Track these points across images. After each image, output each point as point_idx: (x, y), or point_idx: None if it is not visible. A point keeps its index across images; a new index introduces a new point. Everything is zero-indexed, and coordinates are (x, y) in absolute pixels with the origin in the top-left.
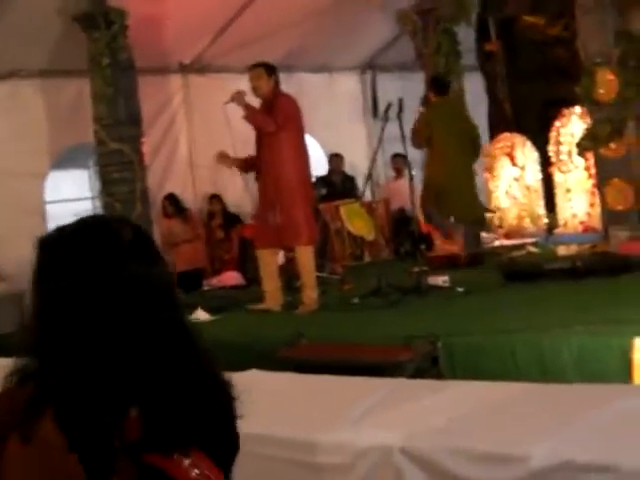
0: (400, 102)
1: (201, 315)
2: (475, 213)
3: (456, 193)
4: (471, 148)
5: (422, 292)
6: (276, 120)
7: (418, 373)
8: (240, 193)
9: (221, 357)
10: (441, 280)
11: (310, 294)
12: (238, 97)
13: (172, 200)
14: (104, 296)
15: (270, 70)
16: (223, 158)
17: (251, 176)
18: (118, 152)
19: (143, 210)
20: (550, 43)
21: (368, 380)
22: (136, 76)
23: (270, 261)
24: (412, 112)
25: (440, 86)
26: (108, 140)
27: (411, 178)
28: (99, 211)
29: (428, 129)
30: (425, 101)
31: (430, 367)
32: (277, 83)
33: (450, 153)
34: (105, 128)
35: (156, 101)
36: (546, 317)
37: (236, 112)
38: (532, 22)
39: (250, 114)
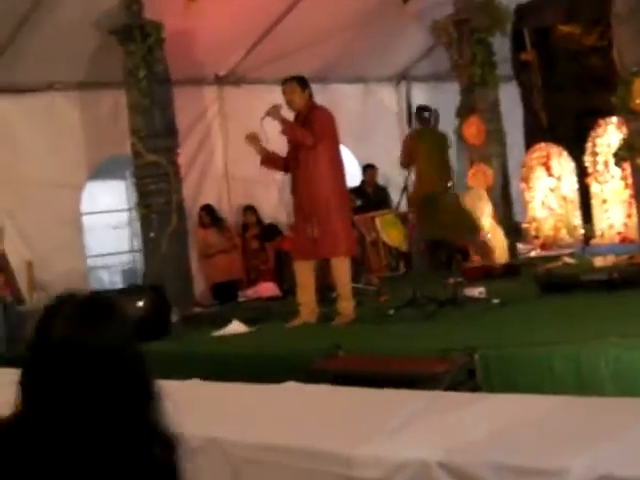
0: (436, 113)
1: (237, 327)
2: (464, 225)
3: (441, 213)
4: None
5: (458, 304)
6: (314, 134)
7: (454, 385)
8: (275, 204)
9: (257, 369)
10: (477, 291)
11: (346, 305)
12: (274, 111)
13: (208, 210)
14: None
15: (303, 83)
16: (254, 140)
17: (285, 188)
18: (154, 164)
19: (179, 221)
20: (586, 52)
21: (404, 392)
22: (172, 88)
23: (306, 273)
24: (447, 123)
25: (424, 116)
26: (144, 152)
27: (446, 189)
28: (136, 222)
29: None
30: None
31: (467, 379)
32: (311, 95)
33: (429, 178)
34: (141, 140)
35: (191, 113)
36: (583, 329)
37: (272, 126)
38: (567, 31)
39: (288, 128)
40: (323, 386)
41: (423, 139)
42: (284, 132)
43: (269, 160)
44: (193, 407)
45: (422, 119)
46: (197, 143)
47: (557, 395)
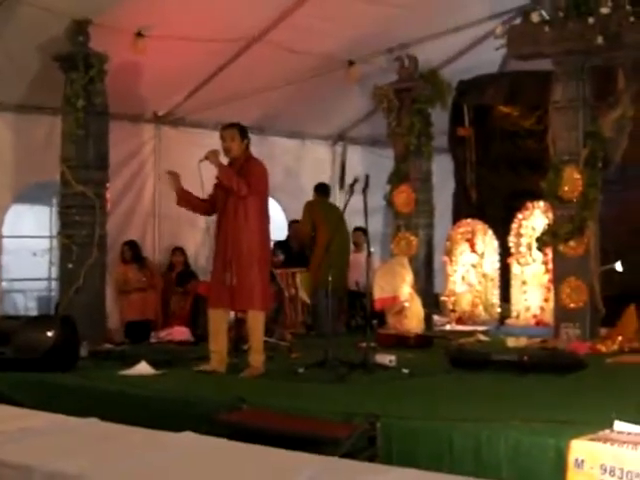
0: (366, 178)
1: (145, 368)
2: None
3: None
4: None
5: (368, 369)
6: (249, 184)
7: (354, 451)
8: (198, 248)
9: (158, 414)
10: (388, 359)
11: (257, 358)
12: (212, 156)
13: (132, 246)
14: None
15: (243, 132)
16: (174, 177)
17: (207, 234)
18: (81, 195)
19: (99, 255)
20: (522, 135)
21: (301, 456)
22: (108, 121)
23: (220, 321)
24: (378, 188)
25: (323, 190)
26: (73, 181)
27: (369, 254)
28: (56, 251)
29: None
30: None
31: (367, 446)
32: (248, 146)
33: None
34: (71, 169)
35: (126, 148)
36: (487, 409)
37: (209, 170)
38: (506, 112)
39: (225, 175)
40: (220, 440)
41: (323, 207)
42: (220, 178)
43: (186, 200)
44: (81, 446)
45: (323, 191)
46: (128, 178)
47: (452, 475)
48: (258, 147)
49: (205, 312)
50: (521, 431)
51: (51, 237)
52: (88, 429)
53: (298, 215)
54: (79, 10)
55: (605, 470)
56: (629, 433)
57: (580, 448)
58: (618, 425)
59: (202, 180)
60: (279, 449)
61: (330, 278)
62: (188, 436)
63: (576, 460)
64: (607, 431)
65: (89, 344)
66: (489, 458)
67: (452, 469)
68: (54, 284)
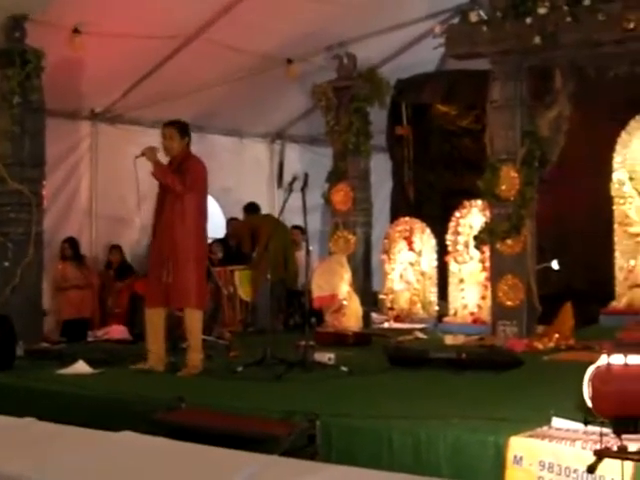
0: (305, 176)
1: (82, 367)
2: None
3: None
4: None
5: (307, 367)
6: (185, 182)
7: (294, 450)
8: (134, 245)
9: (96, 413)
10: (327, 357)
11: (194, 357)
12: (149, 153)
13: (71, 243)
14: None
15: (183, 130)
16: (152, 151)
17: (146, 229)
18: (17, 192)
19: (36, 254)
20: (459, 134)
21: (241, 454)
22: (45, 118)
23: (157, 320)
24: (316, 186)
25: (252, 209)
26: (9, 179)
27: (307, 252)
28: None
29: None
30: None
31: (306, 445)
32: (188, 144)
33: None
34: (7, 167)
35: (62, 145)
36: (426, 406)
37: (144, 166)
38: (444, 111)
39: (160, 172)
40: (159, 439)
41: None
42: (155, 174)
43: (162, 171)
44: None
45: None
46: (64, 176)
47: (390, 473)
48: (196, 145)
49: (142, 311)
50: (460, 428)
51: None
52: (26, 429)
53: (236, 213)
54: (15, 6)
55: (544, 466)
56: (567, 429)
57: (519, 445)
58: (556, 422)
59: (137, 176)
60: (219, 448)
61: (269, 276)
62: (127, 435)
63: (515, 457)
64: (545, 428)
65: (25, 343)
66: (428, 456)
67: (391, 467)
68: None
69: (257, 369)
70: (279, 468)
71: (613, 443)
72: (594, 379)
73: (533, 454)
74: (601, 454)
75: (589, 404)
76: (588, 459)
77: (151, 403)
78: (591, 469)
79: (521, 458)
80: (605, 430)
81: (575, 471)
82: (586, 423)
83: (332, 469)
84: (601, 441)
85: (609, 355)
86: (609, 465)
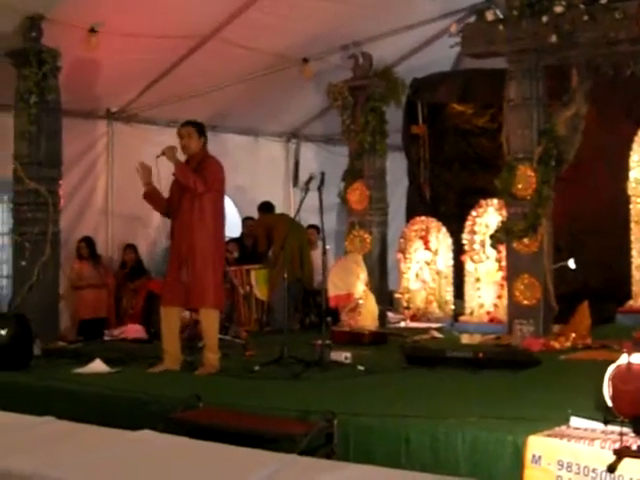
0: (322, 176)
1: (99, 366)
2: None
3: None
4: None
5: (324, 367)
6: (206, 182)
7: (311, 448)
8: (150, 246)
9: (115, 412)
10: (343, 356)
11: (211, 356)
12: (169, 152)
13: (88, 243)
14: None
15: (201, 130)
16: (146, 170)
17: (162, 229)
18: (35, 192)
19: (52, 253)
20: (475, 133)
21: (260, 453)
22: (61, 118)
23: (173, 320)
24: (332, 185)
25: (267, 208)
26: (26, 178)
27: (324, 251)
28: (9, 248)
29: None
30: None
31: (324, 443)
32: (205, 143)
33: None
34: (24, 166)
35: (79, 145)
36: (443, 405)
37: (166, 166)
38: (460, 110)
39: (181, 172)
40: (179, 438)
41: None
42: (177, 174)
43: (152, 196)
44: (38, 445)
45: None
46: (81, 175)
47: (408, 471)
48: (211, 144)
49: (158, 310)
50: (478, 427)
51: (3, 235)
52: (44, 427)
53: (251, 212)
54: (32, 6)
55: (562, 465)
56: (585, 429)
57: (537, 444)
58: (574, 421)
59: (159, 175)
60: (238, 447)
61: (285, 275)
62: (146, 434)
63: (533, 456)
64: (563, 427)
65: (42, 342)
66: (446, 455)
67: (409, 466)
68: (6, 282)
69: (274, 368)
70: (299, 467)
71: (632, 442)
72: (614, 378)
73: (551, 453)
74: (621, 453)
75: (609, 403)
76: (607, 458)
77: (168, 402)
78: (611, 468)
79: (540, 457)
80: (625, 429)
81: (594, 470)
82: (606, 422)
83: (352, 468)
84: (621, 440)
85: (629, 354)
86: (629, 464)
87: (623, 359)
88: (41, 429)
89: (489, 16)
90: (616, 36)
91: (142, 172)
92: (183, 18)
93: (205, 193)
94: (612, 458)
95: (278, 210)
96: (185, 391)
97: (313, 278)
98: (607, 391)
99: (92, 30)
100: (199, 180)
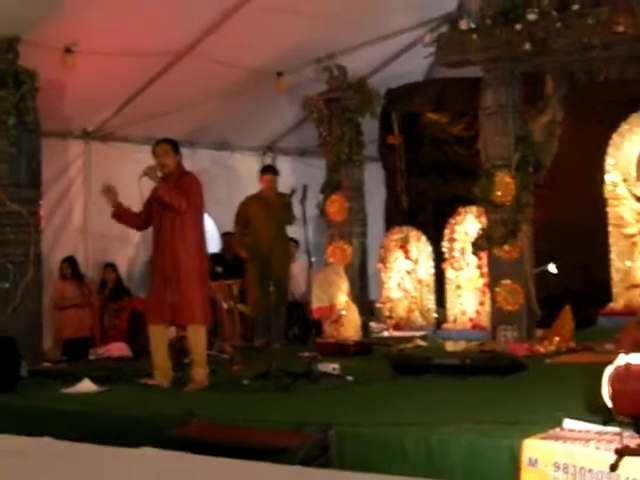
0: (304, 188)
1: (87, 386)
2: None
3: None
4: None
5: (313, 378)
6: (188, 200)
7: (308, 460)
8: (130, 264)
9: (109, 431)
10: (331, 367)
11: (201, 372)
12: (151, 172)
13: (71, 263)
14: None
15: (175, 147)
16: (109, 191)
17: (142, 246)
18: (16, 213)
19: (35, 274)
20: (451, 141)
21: (260, 465)
22: (40, 139)
23: (161, 337)
24: (310, 197)
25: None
26: (7, 200)
27: (310, 264)
28: None
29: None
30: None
31: (320, 455)
32: (180, 160)
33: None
34: (5, 188)
35: (56, 165)
36: (436, 413)
37: (147, 185)
38: (435, 119)
39: (167, 193)
40: (180, 453)
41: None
42: (162, 195)
43: (121, 214)
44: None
45: None
46: (59, 195)
47: (407, 478)
48: (188, 160)
49: (144, 327)
50: (473, 433)
51: None
52: (43, 449)
53: (229, 227)
54: (7, 28)
55: (558, 467)
56: (579, 430)
57: (533, 447)
58: (568, 423)
59: (142, 195)
60: (241, 460)
61: (272, 289)
62: (148, 451)
63: (530, 459)
64: (557, 429)
65: (28, 363)
66: (442, 462)
67: (406, 474)
68: None
69: (263, 381)
70: (302, 477)
71: (628, 441)
72: (613, 379)
73: (547, 456)
74: (622, 452)
75: (609, 404)
76: (602, 459)
77: (161, 419)
78: (613, 467)
79: (536, 460)
80: (622, 429)
81: (590, 471)
82: (605, 423)
83: (355, 477)
84: (621, 439)
85: (627, 355)
86: (629, 464)
87: (621, 360)
88: (41, 451)
89: (462, 25)
90: (589, 42)
91: (107, 194)
92: (158, 35)
93: (186, 211)
94: (607, 458)
95: None
96: (178, 407)
97: (288, 290)
98: (606, 392)
99: (68, 50)
100: (182, 199)
